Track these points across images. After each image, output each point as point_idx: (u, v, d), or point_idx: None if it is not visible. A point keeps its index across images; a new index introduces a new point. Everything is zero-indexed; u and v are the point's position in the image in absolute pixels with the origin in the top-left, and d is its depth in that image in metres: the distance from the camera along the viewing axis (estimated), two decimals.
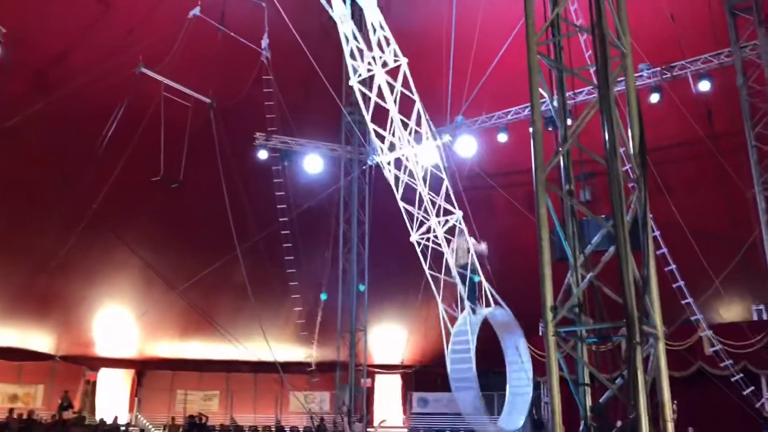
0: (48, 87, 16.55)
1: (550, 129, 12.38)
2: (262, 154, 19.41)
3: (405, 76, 13.96)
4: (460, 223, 15.21)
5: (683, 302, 15.69)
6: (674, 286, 15.55)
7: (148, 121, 15.84)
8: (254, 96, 17.67)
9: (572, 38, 8.16)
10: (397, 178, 14.50)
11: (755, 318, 16.39)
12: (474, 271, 15.22)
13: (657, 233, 15.63)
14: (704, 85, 15.58)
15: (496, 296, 15.61)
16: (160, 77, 15.59)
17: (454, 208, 15.27)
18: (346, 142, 21.03)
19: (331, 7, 13.19)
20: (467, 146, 18.19)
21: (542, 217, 6.36)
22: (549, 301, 6.13)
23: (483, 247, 15.72)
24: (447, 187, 15.06)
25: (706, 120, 16.14)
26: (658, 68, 15.94)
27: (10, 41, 14.90)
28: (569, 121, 8.51)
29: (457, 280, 15.09)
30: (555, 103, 7.71)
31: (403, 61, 13.86)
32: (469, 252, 15.17)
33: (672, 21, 15.55)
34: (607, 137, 6.29)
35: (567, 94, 7.85)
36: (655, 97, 15.93)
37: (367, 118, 14.21)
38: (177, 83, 15.88)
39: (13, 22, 15.02)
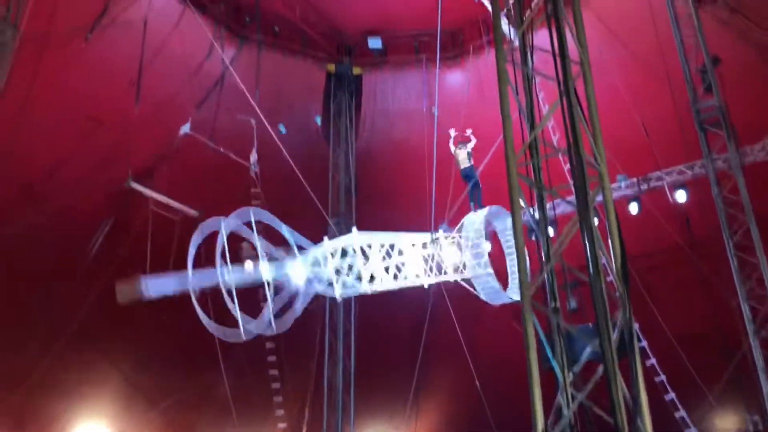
0: (37, 200, 16.68)
1: (532, 238, 12.64)
2: (248, 266, 19.39)
3: None
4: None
5: (677, 415, 15.41)
6: (666, 397, 15.35)
7: (135, 235, 15.93)
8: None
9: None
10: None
11: (751, 429, 16.09)
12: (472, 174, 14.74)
13: (644, 343, 15.63)
14: (681, 195, 16.04)
15: None
16: (149, 191, 15.83)
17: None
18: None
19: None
20: (452, 256, 18.29)
21: (530, 335, 6.37)
22: (540, 424, 6.03)
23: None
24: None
25: (685, 228, 16.53)
26: (635, 179, 16.45)
27: (1, 155, 15.16)
28: (551, 232, 8.70)
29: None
30: (536, 216, 7.91)
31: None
32: (469, 156, 14.71)
33: (646, 134, 16.24)
34: (589, 257, 6.42)
35: (548, 207, 8.08)
36: (633, 208, 16.33)
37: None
38: (166, 197, 16.10)
39: (5, 136, 15.35)
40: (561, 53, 7.50)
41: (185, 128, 16.12)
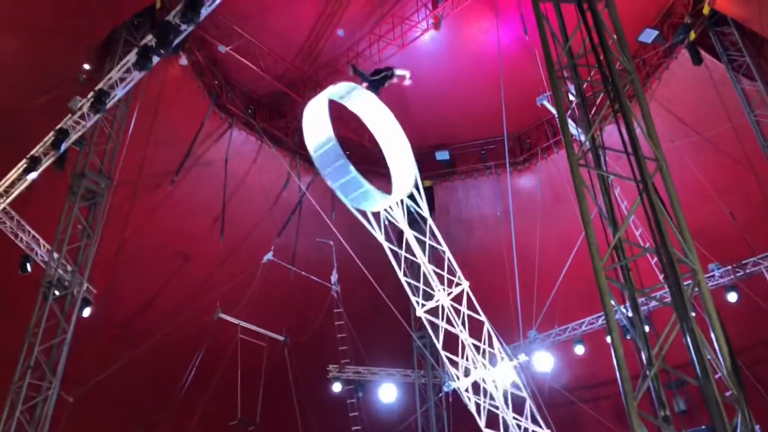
0: (132, 338, 17.33)
1: (628, 337, 12.07)
2: (336, 387, 19.25)
3: (469, 298, 13.94)
4: None
5: None
6: None
7: (225, 364, 16.20)
8: (326, 329, 18.04)
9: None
10: (477, 405, 13.94)
11: None
12: None
13: None
14: None
15: None
16: (237, 320, 16.24)
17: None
18: (418, 367, 20.75)
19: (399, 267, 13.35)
20: (544, 362, 17.70)
21: None
22: None
23: None
24: (530, 406, 14.31)
25: None
26: (729, 267, 15.71)
27: (100, 300, 15.97)
28: (646, 328, 8.30)
29: None
30: (629, 315, 7.60)
31: (465, 285, 13.87)
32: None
33: (733, 219, 15.65)
34: (695, 361, 6.07)
35: (641, 307, 7.77)
36: (732, 296, 15.49)
37: (439, 346, 14.03)
38: (252, 324, 16.46)
39: (104, 278, 16.23)
40: (634, 151, 7.47)
41: (268, 256, 16.68)
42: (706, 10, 15.67)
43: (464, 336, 13.80)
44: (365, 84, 11.36)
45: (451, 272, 13.63)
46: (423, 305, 13.76)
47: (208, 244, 17.71)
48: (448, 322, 13.78)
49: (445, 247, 13.15)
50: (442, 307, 13.64)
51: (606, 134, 8.97)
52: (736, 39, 15.30)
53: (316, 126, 11.40)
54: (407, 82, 12.05)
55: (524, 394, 14.20)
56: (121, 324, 17.67)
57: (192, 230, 17.82)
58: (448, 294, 13.54)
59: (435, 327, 13.80)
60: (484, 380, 14.13)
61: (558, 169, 18.99)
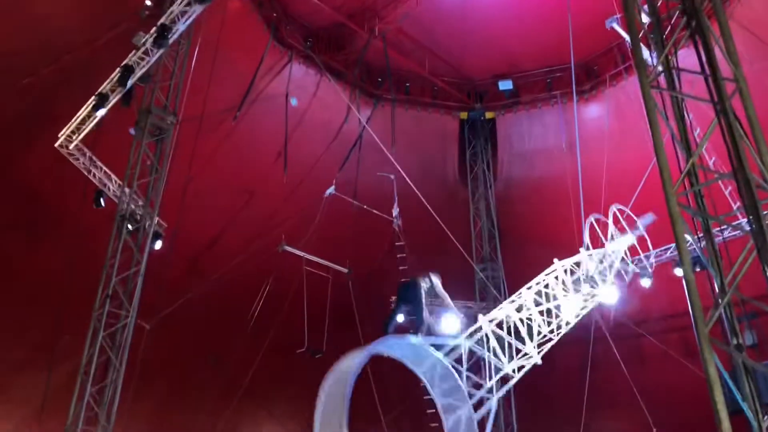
0: (200, 272, 17.95)
1: (698, 269, 11.72)
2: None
3: None
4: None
5: None
6: None
7: (291, 296, 16.63)
8: (388, 262, 18.22)
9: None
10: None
11: None
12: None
13: None
14: None
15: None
16: (301, 252, 16.56)
17: None
18: (480, 299, 20.84)
19: None
20: (609, 295, 17.43)
21: (713, 377, 5.85)
22: None
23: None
24: None
25: None
26: None
27: (169, 235, 16.52)
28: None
29: None
30: (703, 245, 7.35)
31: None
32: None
33: None
34: None
35: (715, 237, 7.49)
36: None
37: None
38: (317, 257, 16.77)
39: (172, 215, 16.76)
40: (712, 72, 7.08)
41: (330, 190, 16.81)
42: None
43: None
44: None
45: None
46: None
47: (271, 180, 17.94)
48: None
49: None
50: None
51: (680, 59, 8.51)
52: None
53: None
54: None
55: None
56: (191, 257, 18.27)
57: (255, 166, 18.08)
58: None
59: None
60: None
61: (627, 97, 18.21)
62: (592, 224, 11.70)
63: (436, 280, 11.05)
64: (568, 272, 11.54)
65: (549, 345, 10.61)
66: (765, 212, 6.56)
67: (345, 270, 17.18)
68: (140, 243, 13.49)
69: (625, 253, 12.09)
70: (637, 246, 12.64)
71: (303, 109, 18.32)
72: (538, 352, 10.35)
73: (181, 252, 17.66)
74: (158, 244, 14.60)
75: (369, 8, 18.90)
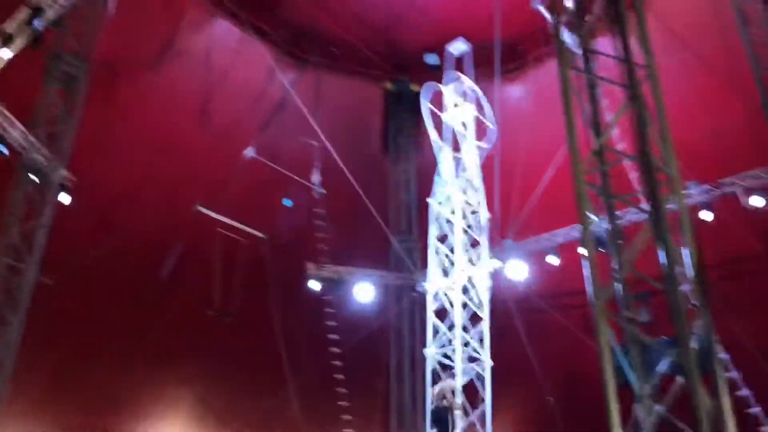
0: (111, 227, 17.33)
1: (601, 249, 12.30)
2: (314, 285, 19.54)
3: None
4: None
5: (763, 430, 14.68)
6: (749, 411, 14.62)
7: (204, 258, 16.34)
8: (306, 229, 18.17)
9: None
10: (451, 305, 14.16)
11: None
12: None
13: (726, 356, 14.96)
14: (756, 201, 15.34)
15: None
16: (217, 215, 16.25)
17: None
18: (396, 269, 21.10)
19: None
20: (518, 270, 18.05)
21: (604, 347, 6.19)
22: None
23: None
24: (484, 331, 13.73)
25: (762, 235, 15.81)
26: (706, 185, 15.86)
27: (78, 188, 15.85)
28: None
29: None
30: (605, 225, 7.72)
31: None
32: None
33: (717, 139, 15.68)
34: (666, 265, 6.20)
35: (617, 218, 7.88)
36: (706, 215, 15.72)
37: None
38: (232, 220, 16.50)
39: (82, 166, 16.06)
40: (626, 59, 7.37)
41: (249, 151, 16.52)
42: None
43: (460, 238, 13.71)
44: None
45: None
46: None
47: (189, 137, 17.47)
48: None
49: None
50: None
51: (599, 45, 8.82)
52: None
53: None
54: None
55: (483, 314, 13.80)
56: (101, 212, 17.58)
57: (173, 122, 17.51)
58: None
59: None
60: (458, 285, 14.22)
61: (548, 79, 18.69)
62: None
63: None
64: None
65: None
66: (664, 198, 6.94)
67: (261, 235, 16.99)
68: (45, 195, 12.89)
69: None
70: None
71: (225, 67, 17.84)
72: None
73: (92, 206, 17.01)
74: (66, 198, 13.96)
75: None
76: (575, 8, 8.75)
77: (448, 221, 14.34)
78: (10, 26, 12.85)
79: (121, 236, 16.59)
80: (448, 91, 14.42)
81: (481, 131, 15.22)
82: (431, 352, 13.69)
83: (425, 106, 14.67)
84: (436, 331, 13.97)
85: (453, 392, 12.19)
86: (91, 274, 17.25)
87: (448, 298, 13.88)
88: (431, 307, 14.15)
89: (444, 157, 14.27)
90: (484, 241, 14.14)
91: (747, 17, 15.14)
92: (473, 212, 14.44)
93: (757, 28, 14.96)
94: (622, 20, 7.81)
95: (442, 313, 14.01)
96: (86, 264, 15.97)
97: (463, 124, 15.00)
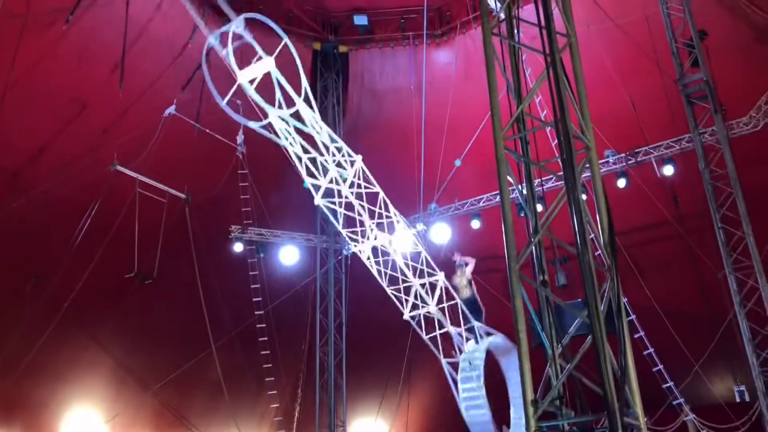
0: (22, 187, 16.50)
1: (522, 215, 12.62)
2: (238, 247, 19.31)
3: (364, 173, 13.27)
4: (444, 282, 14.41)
5: (664, 386, 15.64)
6: (654, 370, 15.54)
7: (122, 219, 15.83)
8: (230, 190, 17.85)
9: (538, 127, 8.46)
10: (378, 271, 14.23)
11: (738, 399, 16.32)
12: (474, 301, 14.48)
13: (633, 317, 15.79)
14: (668, 170, 16.09)
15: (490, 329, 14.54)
16: (135, 174, 15.69)
17: (435, 270, 14.38)
18: (321, 232, 21.10)
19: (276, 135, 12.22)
20: (441, 233, 18.36)
21: (518, 308, 6.39)
22: (529, 395, 6.08)
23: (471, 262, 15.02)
24: (425, 257, 14.39)
25: (673, 202, 16.60)
26: (623, 154, 16.48)
27: None
28: (540, 208, 8.72)
29: (465, 310, 14.25)
30: (524, 192, 7.92)
31: (358, 159, 13.02)
32: (470, 283, 14.59)
33: (633, 109, 16.23)
34: (576, 230, 6.42)
35: (535, 184, 8.10)
36: (621, 182, 16.38)
37: (339, 228, 13.30)
38: (152, 180, 15.99)
39: None
40: (547, 26, 7.47)
41: (170, 110, 15.97)
42: None
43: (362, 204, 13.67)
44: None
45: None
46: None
47: (106, 94, 16.66)
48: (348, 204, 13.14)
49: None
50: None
51: (524, 13, 8.90)
52: None
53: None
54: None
55: (420, 248, 14.27)
56: (10, 171, 16.74)
57: (89, 77, 16.67)
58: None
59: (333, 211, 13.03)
60: (382, 245, 14.35)
61: (475, 46, 18.87)
62: None
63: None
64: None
65: None
66: (579, 165, 7.14)
67: (182, 195, 16.57)
68: None
69: None
70: None
71: (145, 21, 17.06)
72: None
73: (0, 165, 16.19)
74: None
75: None
76: None
77: None
78: None
79: (33, 196, 15.83)
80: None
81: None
82: None
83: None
84: None
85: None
86: (2, 235, 16.48)
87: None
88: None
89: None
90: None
91: None
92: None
93: (675, 2, 15.49)
94: None
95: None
96: None
97: None
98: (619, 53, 17.07)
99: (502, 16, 8.25)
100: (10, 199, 15.53)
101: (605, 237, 6.72)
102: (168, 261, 16.43)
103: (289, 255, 20.16)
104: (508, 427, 14.05)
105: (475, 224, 18.54)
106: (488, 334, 13.81)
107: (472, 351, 13.43)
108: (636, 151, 16.36)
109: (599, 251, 7.41)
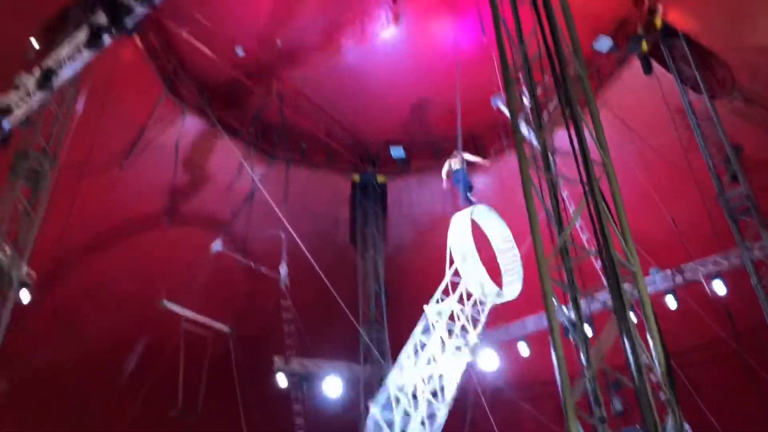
0: (74, 323, 16.88)
1: (570, 338, 12.31)
2: (281, 379, 19.06)
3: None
4: None
5: None
6: None
7: (168, 354, 15.95)
8: (273, 321, 17.92)
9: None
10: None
11: None
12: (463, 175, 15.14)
13: None
14: (718, 286, 15.67)
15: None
16: (181, 310, 15.98)
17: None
18: (365, 362, 20.76)
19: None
20: (489, 361, 17.93)
21: None
22: None
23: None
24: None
25: (727, 320, 16.05)
26: (668, 271, 16.19)
27: (38, 285, 15.49)
28: (588, 330, 8.53)
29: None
30: (572, 316, 7.79)
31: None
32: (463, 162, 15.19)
33: (675, 226, 16.14)
34: (631, 361, 6.25)
35: (582, 304, 7.97)
36: (671, 301, 15.98)
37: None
38: (198, 314, 16.23)
39: (44, 262, 15.73)
40: (582, 156, 7.64)
41: (216, 245, 16.47)
42: (658, 23, 16.12)
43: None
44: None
45: None
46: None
47: (156, 231, 17.38)
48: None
49: None
50: None
51: (557, 138, 9.15)
52: (686, 52, 15.76)
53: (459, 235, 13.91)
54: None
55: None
56: (64, 309, 17.17)
57: (140, 216, 17.46)
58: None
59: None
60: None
61: (510, 171, 19.23)
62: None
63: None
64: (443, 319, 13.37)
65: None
66: (627, 293, 7.07)
67: (226, 329, 16.71)
68: (5, 294, 12.56)
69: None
70: None
71: (194, 162, 18.01)
72: None
73: (54, 302, 16.61)
74: (26, 295, 13.61)
75: (267, 68, 19.07)
76: (532, 107, 9.11)
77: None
78: None
79: (83, 333, 16.16)
80: None
81: None
82: None
83: None
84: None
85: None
86: (53, 372, 16.66)
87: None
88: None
89: None
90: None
91: (696, 111, 15.97)
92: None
93: (706, 121, 15.76)
94: (576, 117, 8.11)
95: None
96: (46, 363, 15.47)
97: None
98: (656, 172, 17.22)
99: (537, 146, 8.47)
100: (62, 336, 15.86)
101: (662, 368, 6.51)
102: (213, 395, 16.34)
103: (332, 386, 19.76)
104: None
105: (524, 350, 18.08)
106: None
107: (458, 221, 13.85)
108: (682, 268, 16.07)
109: (654, 379, 7.16)
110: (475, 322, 13.75)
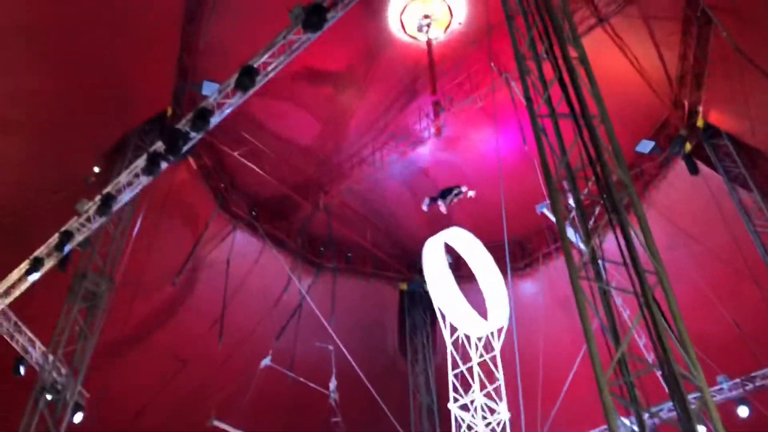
0: None
1: None
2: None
3: None
4: None
5: None
6: None
7: None
8: None
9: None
10: None
11: None
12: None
13: None
14: None
15: None
16: (231, 428, 15.76)
17: None
18: None
19: None
20: None
21: None
22: None
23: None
24: None
25: None
26: (739, 380, 15.36)
27: (93, 403, 15.55)
28: None
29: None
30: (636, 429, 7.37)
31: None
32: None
33: (738, 328, 15.45)
34: None
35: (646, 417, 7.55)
36: (743, 411, 15.05)
37: None
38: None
39: (97, 380, 15.84)
40: (633, 266, 7.48)
41: (266, 361, 16.39)
42: (700, 124, 16.11)
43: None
44: (440, 201, 14.81)
45: None
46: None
47: (206, 347, 17.45)
48: None
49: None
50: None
51: (607, 243, 8.99)
52: (731, 150, 15.62)
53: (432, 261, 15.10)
54: (471, 194, 15.13)
55: None
56: (115, 429, 17.14)
57: (191, 332, 17.64)
58: None
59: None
60: None
61: (560, 275, 18.93)
62: None
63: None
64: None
65: None
66: (693, 397, 6.71)
67: None
68: (58, 416, 12.62)
69: None
70: None
71: (243, 276, 18.30)
72: None
73: (106, 423, 16.56)
74: (79, 417, 13.67)
75: (314, 182, 19.63)
76: (578, 214, 9.04)
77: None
78: (41, 252, 13.48)
79: None
80: None
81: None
82: None
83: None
84: None
85: None
86: None
87: None
88: None
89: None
90: None
91: (747, 209, 15.62)
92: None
93: (760, 219, 15.37)
94: (624, 225, 8.01)
95: None
96: None
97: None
98: (711, 273, 16.68)
99: (587, 256, 8.32)
100: None
101: None
102: None
103: None
104: None
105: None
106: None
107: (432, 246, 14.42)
108: (753, 375, 15.22)
109: None
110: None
